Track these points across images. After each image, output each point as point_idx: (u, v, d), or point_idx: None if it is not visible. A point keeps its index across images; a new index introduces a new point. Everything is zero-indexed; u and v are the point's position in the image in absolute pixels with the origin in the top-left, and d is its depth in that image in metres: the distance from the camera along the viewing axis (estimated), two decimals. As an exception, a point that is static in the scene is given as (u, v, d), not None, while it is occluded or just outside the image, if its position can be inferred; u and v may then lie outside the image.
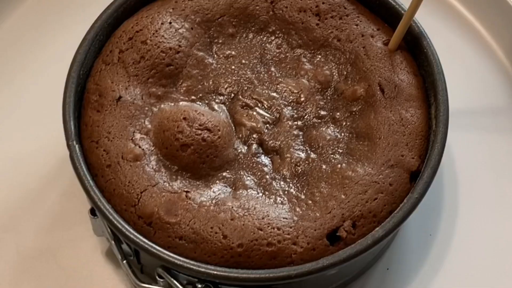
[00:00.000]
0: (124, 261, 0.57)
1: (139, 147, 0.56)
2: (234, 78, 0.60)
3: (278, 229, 0.54)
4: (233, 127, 0.58)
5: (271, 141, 0.58)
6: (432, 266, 0.61)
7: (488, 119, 0.66)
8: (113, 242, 0.57)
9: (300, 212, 0.55)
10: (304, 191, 0.56)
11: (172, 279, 0.54)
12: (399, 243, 0.62)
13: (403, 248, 0.62)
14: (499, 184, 0.64)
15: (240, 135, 0.58)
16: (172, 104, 0.58)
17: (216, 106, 0.59)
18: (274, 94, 0.60)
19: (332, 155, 0.57)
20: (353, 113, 0.58)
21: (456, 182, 0.64)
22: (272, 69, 0.61)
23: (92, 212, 0.57)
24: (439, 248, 0.62)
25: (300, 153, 0.57)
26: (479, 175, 0.64)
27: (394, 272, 0.61)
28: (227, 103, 0.59)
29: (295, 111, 0.59)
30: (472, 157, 0.65)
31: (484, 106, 0.67)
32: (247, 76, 0.60)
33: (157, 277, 0.55)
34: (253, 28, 0.62)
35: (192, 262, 0.53)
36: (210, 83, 0.60)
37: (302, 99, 0.59)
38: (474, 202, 0.63)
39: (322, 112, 0.59)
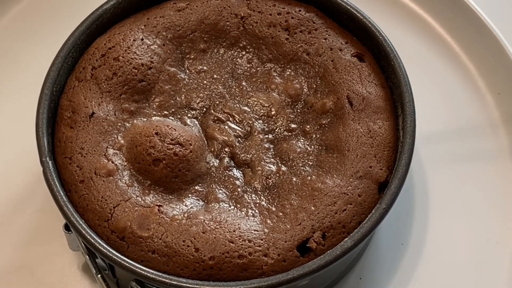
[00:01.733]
0: (99, 275, 0.58)
1: (112, 162, 0.57)
2: (206, 92, 0.61)
3: (249, 241, 0.55)
4: (205, 141, 0.59)
5: (243, 155, 0.59)
6: (404, 275, 0.62)
7: (456, 127, 0.68)
8: (87, 256, 0.58)
9: (271, 224, 0.56)
10: (275, 203, 0.57)
11: (145, 292, 0.55)
12: (371, 252, 0.63)
13: (376, 257, 0.63)
14: (469, 192, 0.65)
15: (212, 149, 0.59)
16: (145, 119, 0.60)
17: (188, 121, 0.60)
18: (246, 108, 0.61)
19: (302, 168, 0.58)
20: (323, 125, 0.59)
21: (426, 191, 0.65)
22: (243, 83, 0.62)
23: (66, 227, 0.58)
24: (411, 257, 0.63)
25: (271, 166, 0.58)
26: (449, 184, 0.65)
27: (366, 282, 0.62)
28: (199, 118, 0.60)
29: (266, 124, 0.60)
30: (442, 166, 0.66)
31: (452, 115, 0.68)
32: (218, 90, 0.61)
33: (130, 290, 0.56)
34: (224, 44, 0.63)
35: (164, 275, 0.54)
36: (183, 98, 0.61)
37: (273, 112, 0.60)
38: (445, 211, 0.64)
39: (293, 125, 0.60)
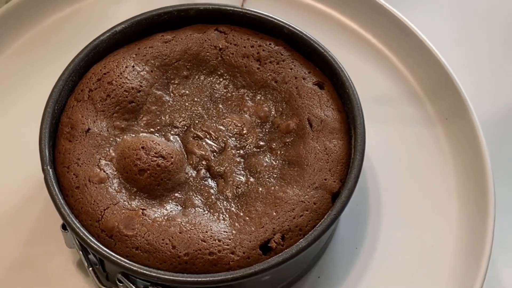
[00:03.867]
0: (90, 268, 0.64)
1: (104, 171, 0.64)
2: (187, 113, 0.67)
3: (219, 240, 0.61)
4: (185, 155, 0.66)
5: (217, 167, 0.65)
6: (357, 274, 0.68)
7: (406, 141, 0.74)
8: (81, 252, 0.64)
9: (238, 226, 0.63)
10: (243, 209, 0.63)
11: (130, 283, 0.61)
12: (329, 255, 0.69)
13: (333, 259, 0.69)
14: (417, 203, 0.71)
15: (191, 162, 0.65)
16: (134, 135, 0.65)
17: (171, 137, 0.66)
18: (221, 127, 0.67)
19: (267, 179, 0.64)
20: (287, 143, 0.66)
21: (379, 202, 0.71)
22: (220, 106, 0.68)
23: (63, 227, 0.63)
24: (363, 259, 0.69)
25: (241, 177, 0.65)
26: (399, 195, 0.72)
27: (324, 280, 0.68)
28: (180, 135, 0.66)
29: (238, 141, 0.66)
30: (394, 179, 0.72)
31: (401, 130, 0.75)
32: (198, 111, 0.68)
33: (117, 282, 0.62)
34: (204, 71, 0.69)
35: (146, 268, 0.60)
36: (167, 117, 0.67)
37: (245, 131, 0.67)
38: (395, 220, 0.71)
39: (261, 143, 0.66)
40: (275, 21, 0.70)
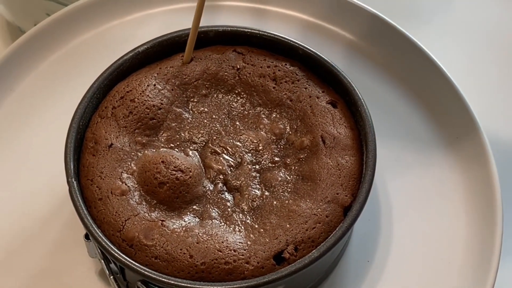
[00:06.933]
0: (111, 277, 0.67)
1: (125, 184, 0.66)
2: (205, 130, 0.69)
3: (234, 251, 0.64)
4: (203, 169, 0.68)
5: (234, 181, 0.67)
6: (369, 287, 0.70)
7: (416, 159, 0.76)
8: (102, 261, 0.66)
9: (253, 238, 0.65)
10: (258, 222, 0.66)
11: (149, 291, 0.64)
12: (342, 267, 0.71)
13: (345, 272, 0.71)
14: (428, 217, 0.73)
15: (209, 176, 0.68)
16: (154, 150, 0.68)
17: (190, 153, 0.69)
18: (238, 143, 0.69)
19: (282, 193, 0.67)
20: (300, 159, 0.68)
21: (391, 216, 0.73)
22: (237, 123, 0.70)
23: (86, 236, 0.66)
24: (375, 272, 0.71)
25: (257, 191, 0.67)
26: (411, 210, 0.74)
27: None
28: (199, 150, 0.69)
29: (254, 157, 0.69)
30: (405, 195, 0.74)
31: (412, 148, 0.77)
32: (216, 128, 0.70)
33: (137, 289, 0.65)
34: (222, 90, 0.71)
35: (165, 276, 0.62)
36: (186, 134, 0.69)
37: (260, 147, 0.69)
38: (406, 234, 0.73)
39: (276, 158, 0.69)
40: (291, 42, 0.73)
